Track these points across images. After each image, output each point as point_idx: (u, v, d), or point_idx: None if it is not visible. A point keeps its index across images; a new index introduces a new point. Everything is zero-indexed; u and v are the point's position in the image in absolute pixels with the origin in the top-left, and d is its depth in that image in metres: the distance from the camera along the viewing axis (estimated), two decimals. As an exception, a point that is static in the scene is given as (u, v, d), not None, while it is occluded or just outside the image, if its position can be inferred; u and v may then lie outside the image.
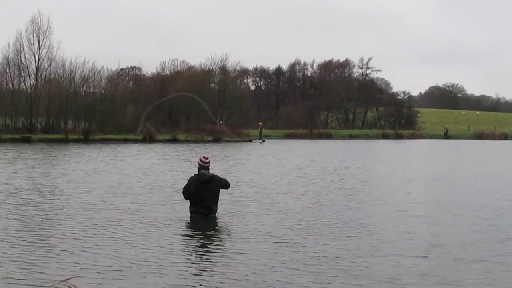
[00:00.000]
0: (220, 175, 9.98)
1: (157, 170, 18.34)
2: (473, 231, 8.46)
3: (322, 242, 7.54)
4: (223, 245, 7.41)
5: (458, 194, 13.01)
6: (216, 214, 9.49)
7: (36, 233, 7.95)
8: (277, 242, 7.45)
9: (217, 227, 8.80)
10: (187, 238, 8.01)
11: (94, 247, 7.07)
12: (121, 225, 8.63)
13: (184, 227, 8.75)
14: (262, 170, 18.64)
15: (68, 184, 13.97)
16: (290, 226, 8.61)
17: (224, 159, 24.02)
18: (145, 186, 13.62)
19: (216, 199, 9.52)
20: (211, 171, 9.65)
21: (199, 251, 7.14)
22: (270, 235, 7.90)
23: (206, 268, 6.27)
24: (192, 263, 6.48)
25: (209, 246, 7.41)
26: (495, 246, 7.47)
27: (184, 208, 9.95)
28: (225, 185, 9.62)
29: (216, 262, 6.53)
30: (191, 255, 6.94)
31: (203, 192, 9.33)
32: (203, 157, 9.64)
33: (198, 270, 6.17)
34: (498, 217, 9.79)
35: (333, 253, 6.90)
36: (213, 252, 7.05)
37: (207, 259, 6.71)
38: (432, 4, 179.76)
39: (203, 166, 9.50)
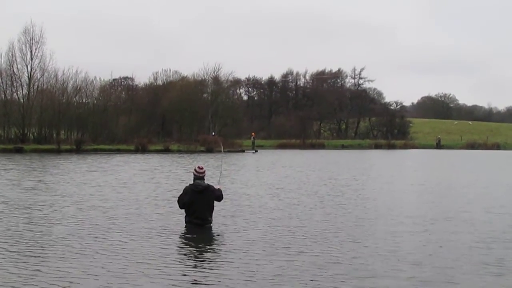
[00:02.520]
0: (215, 185, 9.96)
1: (140, 180, 18.38)
2: (454, 248, 8.17)
3: (292, 256, 7.54)
4: (212, 256, 7.52)
5: (444, 207, 12.92)
6: (211, 224, 9.57)
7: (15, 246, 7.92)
8: (252, 253, 7.49)
9: (208, 238, 8.88)
10: (181, 248, 8.14)
11: (86, 259, 7.12)
12: (107, 236, 8.67)
13: (178, 237, 8.84)
14: (250, 181, 18.70)
15: (39, 196, 13.80)
16: (268, 239, 8.64)
17: (213, 170, 24.01)
18: (129, 197, 13.61)
19: (211, 209, 9.59)
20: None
21: (193, 261, 7.25)
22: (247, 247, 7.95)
23: (201, 277, 6.37)
24: (187, 274, 6.56)
25: (202, 256, 7.54)
26: (474, 267, 7.07)
27: (172, 218, 9.99)
28: (218, 197, 9.67)
29: (207, 272, 6.63)
30: (185, 265, 7.02)
31: (198, 202, 9.42)
32: (198, 167, 9.74)
33: (193, 280, 6.27)
34: (482, 232, 9.48)
35: (289, 271, 6.71)
36: (205, 262, 7.18)
37: (200, 269, 6.81)
38: (424, 14, 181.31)
39: (198, 176, 9.61)
